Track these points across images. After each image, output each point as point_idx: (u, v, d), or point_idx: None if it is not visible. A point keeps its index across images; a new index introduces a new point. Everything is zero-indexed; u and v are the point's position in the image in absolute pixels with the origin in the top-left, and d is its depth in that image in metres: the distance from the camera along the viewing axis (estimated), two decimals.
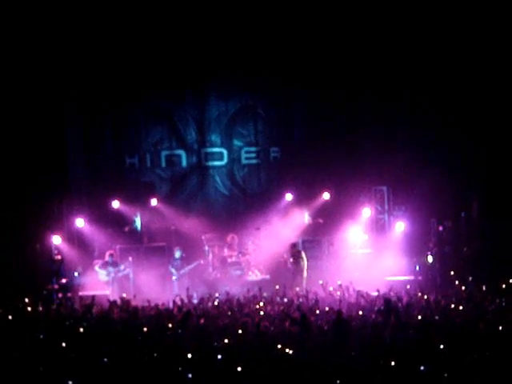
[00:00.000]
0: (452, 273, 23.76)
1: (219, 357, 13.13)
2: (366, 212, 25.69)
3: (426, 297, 19.51)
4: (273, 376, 12.21)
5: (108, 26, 25.01)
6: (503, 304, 18.29)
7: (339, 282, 21.23)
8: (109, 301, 20.11)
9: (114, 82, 25.78)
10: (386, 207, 25.89)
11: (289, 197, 26.14)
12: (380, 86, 25.76)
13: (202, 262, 24.43)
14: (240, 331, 15.34)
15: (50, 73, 24.66)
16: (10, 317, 18.04)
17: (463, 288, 21.04)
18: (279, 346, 13.70)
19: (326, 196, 25.95)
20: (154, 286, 23.07)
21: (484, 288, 20.75)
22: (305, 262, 23.74)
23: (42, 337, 15.49)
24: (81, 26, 24.74)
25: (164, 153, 26.93)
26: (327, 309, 17.86)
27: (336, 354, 13.08)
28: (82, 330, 16.19)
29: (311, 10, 25.35)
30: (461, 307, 17.93)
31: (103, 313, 18.53)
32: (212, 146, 27.04)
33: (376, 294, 19.70)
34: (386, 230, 25.73)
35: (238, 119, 27.06)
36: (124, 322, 17.15)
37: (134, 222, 25.59)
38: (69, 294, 22.86)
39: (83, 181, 26.26)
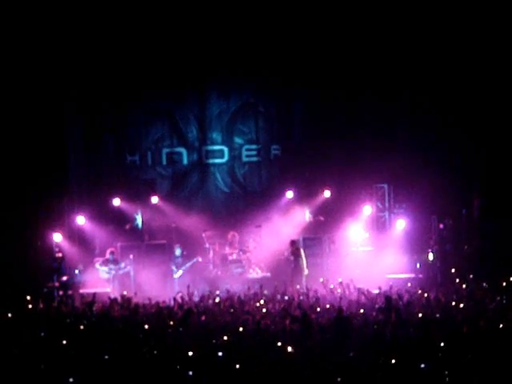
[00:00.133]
0: (453, 270, 23.76)
1: (220, 354, 13.14)
2: (367, 210, 25.71)
3: (426, 294, 19.52)
4: (274, 374, 12.20)
5: (108, 25, 24.97)
6: (504, 302, 18.30)
7: (340, 280, 21.26)
8: (109, 298, 20.14)
9: (114, 81, 25.75)
10: (387, 205, 25.92)
11: (289, 194, 26.14)
12: (380, 86, 25.76)
13: (199, 259, 24.40)
14: (241, 329, 15.35)
15: (50, 73, 24.63)
16: (10, 314, 18.04)
17: (464, 286, 21.04)
18: (279, 344, 13.71)
19: (327, 194, 25.95)
20: (155, 283, 23.08)
21: (485, 286, 20.78)
22: (303, 260, 23.74)
23: (42, 334, 15.50)
24: (81, 26, 24.70)
25: (165, 150, 26.93)
26: (328, 306, 17.88)
27: (337, 352, 13.08)
28: (82, 327, 16.21)
29: (311, 9, 25.33)
30: (461, 305, 17.94)
31: (104, 310, 18.54)
32: (213, 143, 27.04)
33: (377, 291, 19.72)
34: (387, 228, 25.76)
35: (239, 117, 27.06)
36: (125, 319, 17.16)
37: (135, 219, 25.61)
38: (69, 292, 22.87)
39: (84, 178, 26.26)
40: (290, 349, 13.35)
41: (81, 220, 24.60)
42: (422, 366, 12.10)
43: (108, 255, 23.83)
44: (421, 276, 23.91)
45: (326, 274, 23.78)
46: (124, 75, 25.69)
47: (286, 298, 19.81)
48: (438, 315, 16.75)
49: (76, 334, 15.52)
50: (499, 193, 25.32)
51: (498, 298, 18.58)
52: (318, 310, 17.65)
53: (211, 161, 27.07)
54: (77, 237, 24.57)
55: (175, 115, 26.86)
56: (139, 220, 25.58)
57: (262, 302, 19.12)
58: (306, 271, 23.64)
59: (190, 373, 12.33)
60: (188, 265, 24.24)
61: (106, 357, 13.31)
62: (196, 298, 20.36)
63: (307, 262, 23.94)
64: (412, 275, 23.82)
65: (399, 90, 25.85)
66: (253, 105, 27.07)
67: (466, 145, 25.69)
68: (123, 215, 25.52)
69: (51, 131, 24.88)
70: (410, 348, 13.20)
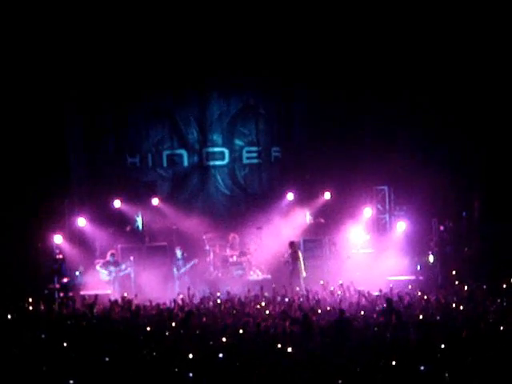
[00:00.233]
0: (453, 273, 23.76)
1: (220, 356, 13.14)
2: (368, 212, 25.70)
3: (426, 296, 19.51)
4: (274, 376, 12.21)
5: (108, 25, 25.00)
6: (504, 304, 18.31)
7: (340, 282, 21.26)
8: (110, 300, 20.14)
9: (114, 81, 25.77)
10: (388, 207, 25.90)
11: (290, 196, 26.14)
12: (380, 86, 25.77)
13: (196, 261, 24.36)
14: (241, 331, 15.36)
15: (50, 73, 24.66)
16: (11, 316, 18.05)
17: (464, 288, 21.04)
18: (279, 346, 13.71)
19: (327, 196, 25.95)
20: (156, 285, 23.06)
21: (485, 288, 20.77)
22: (301, 262, 23.70)
23: (43, 336, 15.50)
24: (81, 26, 24.74)
25: (165, 152, 26.93)
26: (328, 308, 17.88)
27: (337, 354, 13.09)
28: (83, 329, 16.21)
29: (311, 9, 25.34)
30: (462, 307, 17.94)
31: (105, 312, 18.55)
32: (213, 145, 27.04)
33: (377, 293, 19.71)
34: (388, 230, 25.74)
35: (240, 119, 27.06)
36: (125, 321, 17.17)
37: (136, 221, 25.63)
38: (70, 294, 22.85)
39: (84, 180, 26.29)
40: (289, 349, 13.37)
41: (81, 222, 24.61)
42: (423, 367, 12.11)
43: (108, 257, 23.83)
44: (421, 278, 23.91)
45: (327, 275, 23.78)
46: (124, 75, 25.71)
47: (287, 300, 19.80)
48: (438, 317, 16.76)
49: (76, 335, 15.51)
50: (499, 195, 25.31)
51: (499, 300, 18.60)
52: (319, 311, 17.64)
53: (212, 163, 27.07)
54: (77, 238, 24.57)
55: (175, 116, 26.87)
56: (140, 222, 25.59)
57: (262, 304, 19.12)
58: (303, 273, 23.60)
59: (191, 375, 12.33)
60: (186, 268, 24.22)
61: (107, 359, 13.31)
62: (196, 300, 20.35)
63: (307, 264, 23.95)
64: (412, 277, 23.81)
65: (399, 89, 25.85)
66: (253, 107, 27.08)
67: (466, 145, 25.69)
68: (124, 217, 25.54)
69: (51, 131, 24.90)
70: (410, 350, 13.21)
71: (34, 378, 12.67)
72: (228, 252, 25.12)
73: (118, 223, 25.33)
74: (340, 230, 25.23)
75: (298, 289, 22.33)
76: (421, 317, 16.69)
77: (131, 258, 24.15)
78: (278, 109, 27.08)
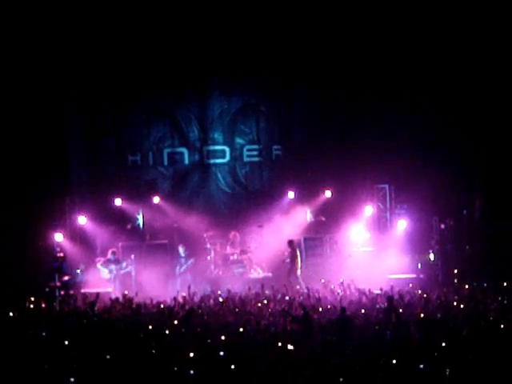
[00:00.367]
0: (454, 271, 23.77)
1: (221, 354, 13.15)
2: (368, 210, 25.72)
3: (427, 295, 19.52)
4: (275, 374, 12.22)
5: (108, 25, 25.02)
6: (505, 302, 18.31)
7: (341, 280, 21.26)
8: (111, 298, 20.15)
9: (114, 81, 25.78)
10: (388, 205, 25.92)
11: (291, 195, 26.16)
12: (380, 86, 25.77)
13: (193, 261, 24.37)
14: (241, 329, 15.37)
15: (50, 73, 24.66)
16: (12, 314, 18.06)
17: (465, 286, 21.04)
18: (280, 344, 13.72)
19: (328, 194, 25.97)
20: (156, 283, 23.08)
21: (486, 286, 20.78)
22: (298, 261, 23.70)
23: (44, 334, 15.51)
24: (81, 26, 24.75)
25: (166, 150, 26.96)
26: (329, 306, 17.88)
27: (338, 352, 13.09)
28: (84, 327, 16.22)
29: (312, 9, 25.35)
30: (462, 305, 17.95)
31: (106, 310, 18.56)
32: (214, 143, 27.06)
33: (378, 292, 19.71)
34: (388, 228, 25.75)
35: (240, 117, 27.08)
36: (126, 319, 17.17)
37: (137, 219, 25.65)
38: (71, 292, 22.87)
39: (85, 178, 26.31)
40: (290, 347, 13.38)
41: (82, 220, 24.62)
42: (423, 366, 12.11)
43: (109, 255, 23.85)
44: (422, 276, 23.93)
45: (328, 274, 23.77)
46: (124, 75, 25.72)
47: (287, 298, 19.81)
48: (439, 315, 16.76)
49: (77, 333, 15.52)
50: (500, 193, 25.32)
51: (499, 299, 18.60)
52: (320, 310, 17.65)
53: (212, 161, 27.09)
54: (78, 237, 24.60)
55: (176, 115, 26.89)
56: (140, 220, 25.62)
57: (263, 302, 19.11)
58: (298, 271, 23.56)
59: (192, 372, 12.34)
60: (186, 266, 24.24)
61: (108, 357, 13.32)
62: (197, 298, 20.36)
63: (307, 263, 23.99)
64: (413, 275, 23.83)
65: (399, 89, 25.85)
66: (254, 105, 27.09)
67: (466, 145, 25.69)
68: (125, 215, 25.56)
69: (51, 131, 24.90)
70: (411, 348, 13.21)
71: (36, 375, 12.68)
72: (229, 250, 25.14)
73: (118, 221, 25.35)
74: (341, 228, 25.25)
75: (298, 287, 22.32)
76: (421, 315, 16.69)
77: (132, 256, 24.16)
78: (278, 109, 27.09)
